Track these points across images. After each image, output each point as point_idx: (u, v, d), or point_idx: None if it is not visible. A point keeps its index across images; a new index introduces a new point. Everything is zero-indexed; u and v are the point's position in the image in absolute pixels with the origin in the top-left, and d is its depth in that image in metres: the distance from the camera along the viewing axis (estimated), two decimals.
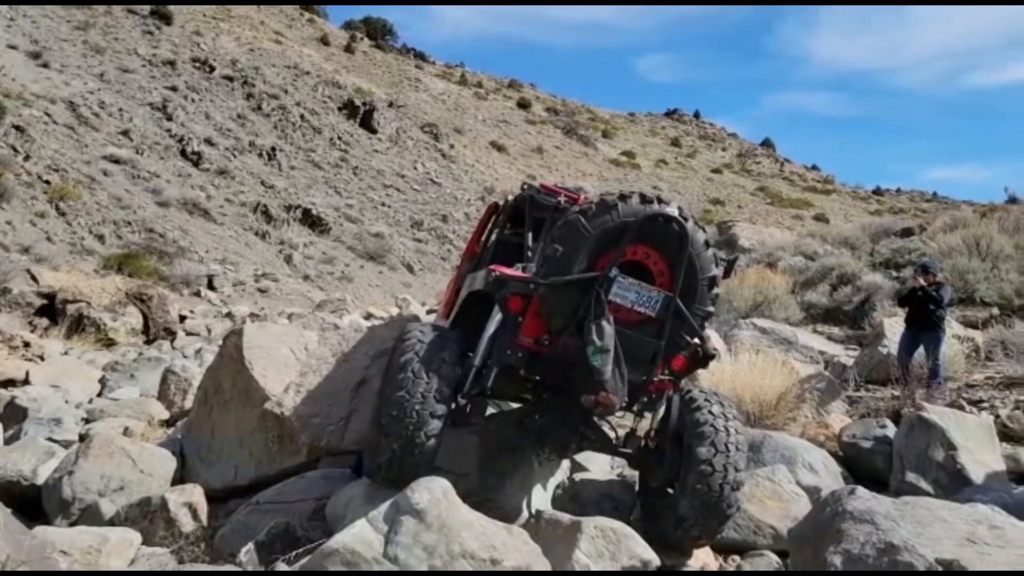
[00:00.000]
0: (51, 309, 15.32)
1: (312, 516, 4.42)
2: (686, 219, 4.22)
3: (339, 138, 44.33)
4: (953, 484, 5.58)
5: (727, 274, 5.00)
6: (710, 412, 4.37)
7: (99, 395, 9.09)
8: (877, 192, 79.95)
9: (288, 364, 5.44)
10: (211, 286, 24.81)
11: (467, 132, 58.27)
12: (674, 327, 4.26)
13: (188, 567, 4.00)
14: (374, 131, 46.88)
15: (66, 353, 12.02)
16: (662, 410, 4.64)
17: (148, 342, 15.09)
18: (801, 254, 15.73)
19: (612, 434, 4.75)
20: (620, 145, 71.32)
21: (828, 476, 5.63)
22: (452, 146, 51.91)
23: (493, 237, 5.74)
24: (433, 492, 3.55)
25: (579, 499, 4.77)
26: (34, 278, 15.83)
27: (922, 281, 8.22)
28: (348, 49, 66.29)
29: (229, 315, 19.94)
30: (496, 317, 4.41)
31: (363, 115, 47.38)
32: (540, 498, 4.92)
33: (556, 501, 4.88)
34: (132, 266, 22.60)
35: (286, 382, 5.30)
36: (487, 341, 4.44)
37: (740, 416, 4.67)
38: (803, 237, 18.56)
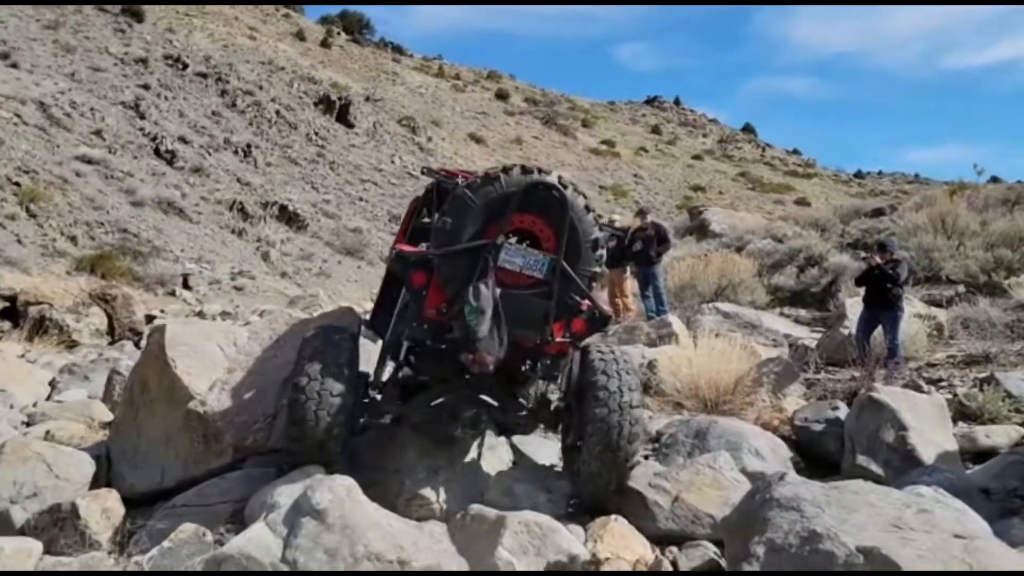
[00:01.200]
0: (13, 311, 15.04)
1: (230, 519, 4.24)
2: (565, 186, 4.44)
3: (315, 133, 43.93)
4: (904, 466, 5.45)
5: (624, 241, 5.43)
6: (604, 372, 4.59)
7: (48, 398, 8.86)
8: (858, 175, 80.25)
9: (216, 361, 5.24)
10: (186, 285, 24.47)
11: (445, 124, 57.84)
12: (562, 288, 4.48)
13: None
14: (351, 126, 46.50)
15: (23, 355, 11.75)
16: (567, 373, 4.93)
17: (112, 343, 14.82)
18: (771, 237, 15.61)
19: (524, 403, 5.02)
20: (600, 134, 71.07)
21: (776, 461, 5.49)
22: (430, 139, 51.54)
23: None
24: (336, 491, 3.37)
25: (512, 492, 4.59)
26: None
27: (878, 259, 8.10)
28: (324, 44, 65.70)
29: (200, 314, 19.63)
30: (404, 293, 4.66)
31: (339, 110, 46.97)
32: (472, 493, 4.76)
33: (489, 495, 4.70)
34: (105, 267, 22.27)
35: (212, 379, 5.10)
36: (396, 316, 4.73)
37: (637, 370, 4.97)
38: (774, 220, 18.43)
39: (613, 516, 4.55)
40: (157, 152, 34.77)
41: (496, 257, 4.35)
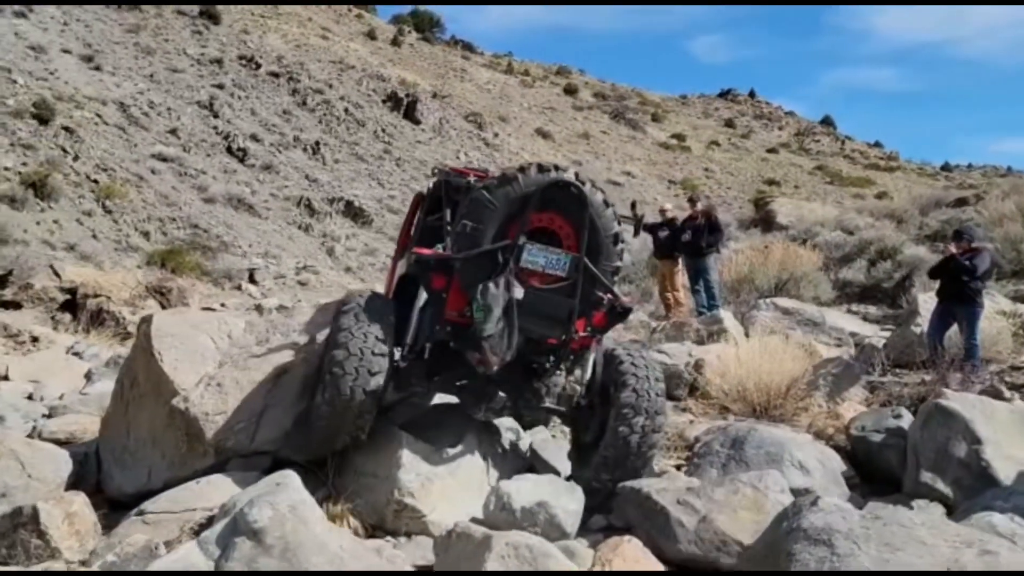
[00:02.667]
0: (74, 304, 15.34)
1: (199, 528, 3.87)
2: (583, 183, 4.45)
3: (383, 130, 44.19)
4: (976, 485, 4.70)
5: (636, 231, 5.41)
6: (632, 364, 4.63)
7: (82, 391, 8.80)
8: (945, 168, 76.12)
9: (206, 354, 4.91)
10: (252, 279, 24.85)
11: (512, 120, 57.41)
12: (586, 284, 4.49)
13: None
14: (417, 122, 46.60)
15: (72, 347, 11.85)
16: (589, 368, 4.91)
17: None
18: (841, 229, 14.57)
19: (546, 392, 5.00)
20: (670, 128, 69.41)
21: (825, 476, 4.83)
22: (496, 135, 51.22)
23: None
24: (277, 508, 2.93)
25: (510, 507, 4.06)
26: (56, 273, 15.86)
27: (954, 249, 7.22)
28: (395, 42, 66.17)
29: (258, 307, 19.78)
30: (423, 296, 4.66)
31: (407, 107, 47.14)
32: (467, 505, 4.27)
33: (487, 508, 4.19)
34: (175, 262, 22.72)
35: (200, 374, 4.76)
36: (416, 319, 4.70)
37: (660, 368, 4.99)
38: (846, 211, 17.24)
39: (627, 537, 3.99)
40: (229, 150, 35.51)
41: (518, 258, 4.37)
